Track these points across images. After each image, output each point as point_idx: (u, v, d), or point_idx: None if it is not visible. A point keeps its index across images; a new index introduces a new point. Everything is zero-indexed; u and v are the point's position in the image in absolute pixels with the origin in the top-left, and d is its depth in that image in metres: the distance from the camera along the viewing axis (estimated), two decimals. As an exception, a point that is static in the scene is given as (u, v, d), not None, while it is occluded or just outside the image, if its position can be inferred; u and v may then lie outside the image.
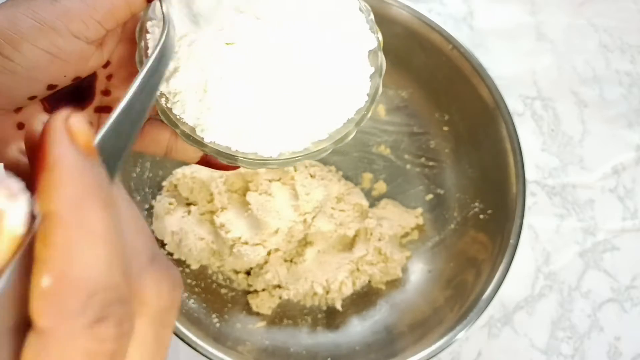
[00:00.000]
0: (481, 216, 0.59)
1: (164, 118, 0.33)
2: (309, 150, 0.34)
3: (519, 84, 0.69)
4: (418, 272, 0.61)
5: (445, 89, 0.61)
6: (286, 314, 0.59)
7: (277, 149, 0.33)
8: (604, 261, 0.64)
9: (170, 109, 0.32)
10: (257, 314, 0.58)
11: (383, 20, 0.59)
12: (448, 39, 0.58)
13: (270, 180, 0.59)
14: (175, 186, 0.59)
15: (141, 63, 0.33)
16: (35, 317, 0.16)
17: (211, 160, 0.37)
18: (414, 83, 0.63)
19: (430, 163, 0.63)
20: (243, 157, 0.33)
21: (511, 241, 0.54)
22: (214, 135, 0.32)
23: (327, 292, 0.58)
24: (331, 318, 0.59)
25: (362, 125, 0.35)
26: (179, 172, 0.59)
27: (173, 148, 0.37)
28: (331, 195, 0.60)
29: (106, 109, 0.36)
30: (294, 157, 0.34)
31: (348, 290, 0.58)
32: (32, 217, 0.17)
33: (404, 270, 0.60)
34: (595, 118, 0.69)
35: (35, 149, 0.19)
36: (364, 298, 0.60)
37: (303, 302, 0.59)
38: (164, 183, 0.59)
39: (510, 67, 0.69)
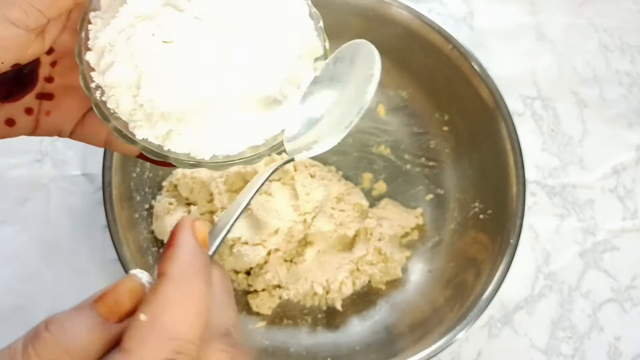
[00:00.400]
0: (481, 216, 0.59)
1: (96, 111, 0.32)
2: (243, 154, 0.33)
3: (519, 84, 0.69)
4: (418, 272, 0.61)
5: (445, 89, 0.61)
6: (286, 314, 0.59)
7: (210, 151, 0.33)
8: (604, 261, 0.64)
9: (105, 102, 0.32)
10: (257, 314, 0.58)
11: (383, 20, 0.59)
12: (448, 39, 0.58)
13: (270, 180, 0.59)
14: (175, 186, 0.59)
15: (80, 54, 0.32)
16: (125, 339, 0.23)
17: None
18: (414, 83, 0.63)
19: (430, 163, 0.63)
20: (174, 157, 0.33)
21: (511, 241, 0.54)
22: (146, 132, 0.32)
23: (327, 292, 0.58)
24: (331, 318, 0.59)
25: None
26: (179, 172, 0.59)
27: (113, 140, 0.36)
28: (331, 195, 0.60)
29: (48, 96, 0.35)
30: (228, 161, 0.33)
31: (348, 290, 0.58)
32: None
33: (404, 270, 0.60)
34: (595, 118, 0.69)
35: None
36: (364, 298, 0.60)
37: (303, 302, 0.59)
38: (164, 183, 0.59)
39: (510, 67, 0.69)
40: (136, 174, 0.57)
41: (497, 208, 0.57)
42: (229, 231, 0.30)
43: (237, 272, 0.59)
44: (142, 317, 0.23)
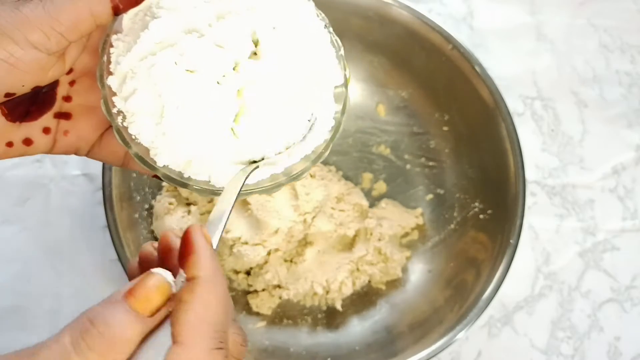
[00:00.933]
0: (481, 216, 0.59)
1: (117, 137, 0.33)
2: (262, 184, 0.34)
3: (519, 84, 0.69)
4: (418, 272, 0.61)
5: (445, 89, 0.61)
6: (286, 314, 0.59)
7: (227, 179, 0.33)
8: (604, 261, 0.64)
9: (126, 128, 0.32)
10: (257, 314, 0.58)
11: (383, 20, 0.59)
12: (448, 39, 0.58)
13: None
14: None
15: (102, 77, 0.32)
16: (177, 333, 0.27)
17: (132, 164, 0.37)
18: (414, 83, 0.63)
19: (430, 163, 0.63)
20: (194, 185, 0.33)
21: (511, 241, 0.54)
22: (167, 159, 0.32)
23: (327, 292, 0.58)
24: (331, 318, 0.59)
25: (318, 162, 0.35)
26: (179, 172, 0.59)
27: (131, 160, 0.36)
28: (331, 195, 0.60)
29: (66, 115, 0.36)
30: (247, 190, 0.34)
31: (348, 290, 0.58)
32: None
33: (404, 270, 0.60)
34: (595, 118, 0.69)
35: (167, 248, 0.33)
36: (364, 298, 0.60)
37: (303, 302, 0.59)
38: (164, 183, 0.59)
39: (510, 67, 0.69)
40: (136, 174, 0.57)
41: (497, 208, 0.57)
42: (223, 230, 0.32)
43: (237, 272, 0.59)
44: (189, 317, 0.28)
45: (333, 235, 0.59)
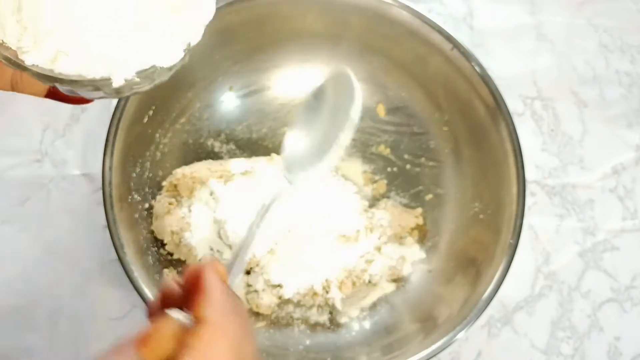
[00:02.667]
0: (481, 216, 0.59)
1: None
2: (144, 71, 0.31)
3: (519, 84, 0.69)
4: (418, 272, 0.61)
5: (445, 89, 0.61)
6: (286, 314, 0.59)
7: (102, 70, 0.31)
8: (604, 261, 0.64)
9: None
10: (257, 314, 0.58)
11: (383, 20, 0.59)
12: (448, 39, 0.58)
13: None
14: (175, 186, 0.59)
15: None
16: None
17: (58, 93, 0.35)
18: (414, 83, 0.63)
19: (430, 163, 0.63)
20: (66, 79, 0.31)
21: (511, 241, 0.54)
22: (34, 58, 0.30)
23: (327, 292, 0.58)
24: (331, 318, 0.59)
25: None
26: (179, 172, 0.59)
27: (19, 82, 0.35)
28: (331, 194, 0.60)
29: None
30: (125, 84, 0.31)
31: (348, 290, 0.58)
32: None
33: (404, 270, 0.60)
34: (595, 118, 0.69)
35: (192, 281, 0.30)
36: (364, 298, 0.60)
37: (303, 302, 0.59)
38: (164, 183, 0.59)
39: (510, 67, 0.69)
40: (136, 174, 0.57)
41: (497, 208, 0.57)
42: (244, 266, 0.31)
43: (237, 272, 0.59)
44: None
45: (333, 235, 0.59)
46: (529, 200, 0.63)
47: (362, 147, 0.64)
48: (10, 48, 0.31)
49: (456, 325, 0.52)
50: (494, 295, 0.53)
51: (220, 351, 0.26)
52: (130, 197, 0.56)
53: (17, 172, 0.62)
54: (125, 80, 0.31)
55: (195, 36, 0.32)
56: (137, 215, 0.56)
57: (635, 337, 0.62)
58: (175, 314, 0.27)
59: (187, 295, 0.31)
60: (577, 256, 0.64)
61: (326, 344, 0.58)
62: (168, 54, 0.32)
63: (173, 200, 0.58)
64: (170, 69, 0.32)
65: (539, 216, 0.65)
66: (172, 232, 0.57)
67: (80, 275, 0.59)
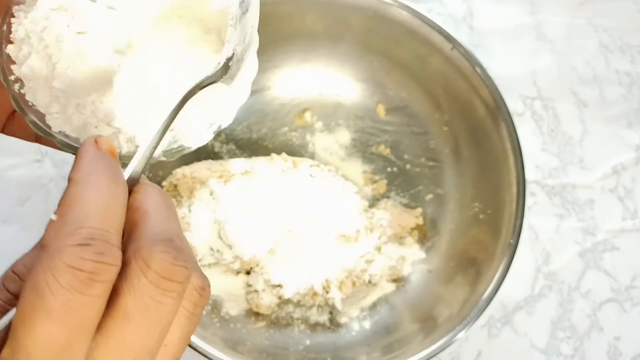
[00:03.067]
0: (481, 216, 0.59)
1: (14, 104, 0.32)
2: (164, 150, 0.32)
3: (519, 84, 0.69)
4: (418, 272, 0.61)
5: (445, 89, 0.61)
6: (286, 314, 0.59)
7: (129, 147, 0.31)
8: (604, 261, 0.64)
9: (23, 95, 0.31)
10: (257, 314, 0.58)
11: (383, 20, 0.59)
12: (448, 39, 0.58)
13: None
14: (175, 186, 0.59)
15: (0, 46, 0.32)
16: (42, 240, 0.25)
17: (49, 142, 0.35)
18: (414, 83, 0.63)
19: (430, 163, 0.63)
20: None
21: (511, 241, 0.54)
22: (62, 125, 0.31)
23: (327, 292, 0.58)
24: (331, 318, 0.59)
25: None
26: (179, 172, 0.59)
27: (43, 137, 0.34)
28: (331, 195, 0.60)
29: None
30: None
31: (348, 290, 0.58)
32: None
33: (404, 270, 0.60)
34: (595, 118, 0.69)
35: None
36: (364, 298, 0.60)
37: (303, 302, 0.59)
38: (164, 183, 0.59)
39: (510, 67, 0.69)
40: (136, 174, 0.57)
41: (497, 208, 0.57)
42: (152, 147, 0.29)
43: (237, 272, 0.59)
44: (52, 217, 0.25)
45: (333, 235, 0.59)
46: (529, 200, 0.63)
47: (362, 147, 0.64)
48: (39, 111, 0.31)
49: (456, 325, 0.52)
50: (494, 295, 0.53)
51: (86, 204, 0.24)
52: (130, 197, 0.56)
53: (17, 172, 0.62)
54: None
55: (227, 120, 0.33)
56: (137, 215, 0.56)
57: (635, 337, 0.62)
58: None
59: None
60: (577, 256, 0.64)
61: (326, 344, 0.58)
62: (198, 138, 0.32)
63: (173, 200, 0.58)
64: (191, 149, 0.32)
65: (539, 216, 0.65)
66: (172, 232, 0.57)
67: (80, 275, 0.59)
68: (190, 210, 0.58)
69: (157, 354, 0.24)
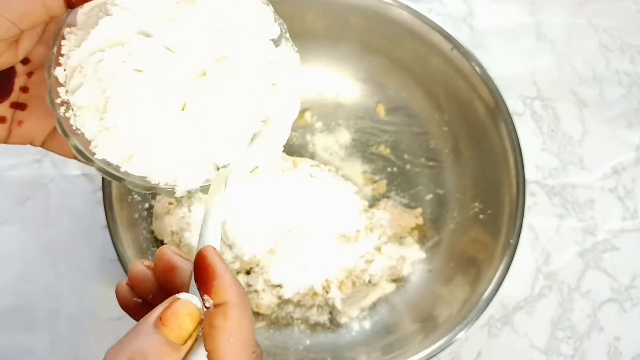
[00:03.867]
0: (481, 216, 0.59)
1: (58, 127, 0.33)
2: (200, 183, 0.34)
3: (519, 84, 0.69)
4: (418, 272, 0.61)
5: (445, 89, 0.61)
6: (286, 314, 0.59)
7: (166, 177, 0.33)
8: (604, 261, 0.64)
9: (67, 119, 0.33)
10: (257, 314, 0.58)
11: (383, 20, 0.59)
12: (448, 39, 0.58)
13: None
14: (175, 186, 0.59)
15: (49, 68, 0.33)
16: (221, 356, 0.28)
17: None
18: (414, 83, 0.63)
19: (430, 163, 0.63)
20: (128, 179, 0.33)
21: (511, 241, 0.54)
22: (107, 153, 0.32)
23: (327, 292, 0.58)
24: (331, 318, 0.59)
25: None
26: (179, 172, 0.59)
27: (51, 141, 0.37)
28: (331, 195, 0.60)
29: (21, 106, 0.36)
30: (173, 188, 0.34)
31: (348, 290, 0.58)
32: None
33: (404, 270, 0.60)
34: (595, 118, 0.69)
35: (168, 267, 0.33)
36: (364, 298, 0.60)
37: (303, 302, 0.59)
38: (164, 183, 0.59)
39: (510, 67, 0.69)
40: (136, 174, 0.57)
41: (497, 208, 0.57)
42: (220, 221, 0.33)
43: (237, 272, 0.59)
44: (230, 339, 0.29)
45: (333, 235, 0.59)
46: (529, 200, 0.63)
47: (362, 147, 0.64)
48: (81, 136, 0.33)
49: (456, 325, 0.52)
50: (494, 295, 0.53)
51: (245, 329, 0.29)
52: (130, 197, 0.56)
53: (17, 172, 0.62)
54: (188, 192, 0.33)
55: (266, 162, 0.35)
56: (137, 215, 0.56)
57: (635, 337, 0.62)
58: (188, 298, 0.29)
59: (165, 278, 0.33)
60: (577, 256, 0.64)
61: (326, 344, 0.58)
62: (238, 179, 0.34)
63: (173, 200, 0.58)
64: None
65: (539, 216, 0.65)
66: (172, 232, 0.57)
67: (80, 275, 0.59)
68: (190, 210, 0.58)
69: None
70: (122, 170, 0.33)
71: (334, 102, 0.65)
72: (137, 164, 0.33)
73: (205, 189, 0.33)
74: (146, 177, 0.33)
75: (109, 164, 0.33)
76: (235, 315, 0.29)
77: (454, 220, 0.61)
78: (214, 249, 0.30)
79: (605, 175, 0.67)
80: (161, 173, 0.33)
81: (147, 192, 0.34)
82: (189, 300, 0.29)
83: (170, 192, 0.33)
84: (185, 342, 0.28)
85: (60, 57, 0.32)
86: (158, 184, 0.33)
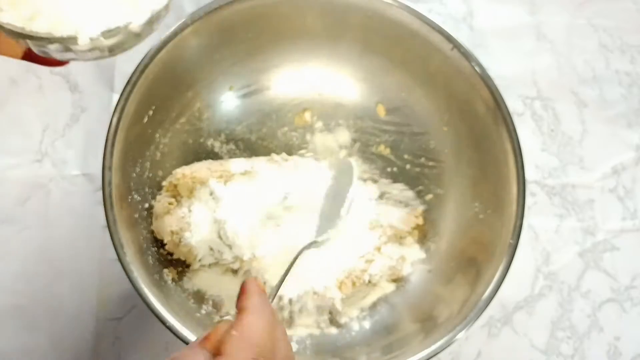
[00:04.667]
0: (481, 216, 0.59)
1: None
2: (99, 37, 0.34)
3: (519, 84, 0.69)
4: (418, 272, 0.61)
5: (445, 89, 0.61)
6: (286, 314, 0.59)
7: (70, 29, 0.33)
8: (604, 261, 0.64)
9: None
10: (257, 314, 0.58)
11: (383, 20, 0.59)
12: (448, 39, 0.58)
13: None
14: (175, 186, 0.59)
15: None
16: (223, 348, 0.34)
17: (34, 55, 0.38)
18: (414, 83, 0.63)
19: (430, 163, 0.63)
20: (36, 36, 0.33)
21: (511, 241, 0.54)
22: (10, 17, 0.33)
23: (327, 292, 0.58)
24: (331, 318, 0.59)
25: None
26: (179, 172, 0.59)
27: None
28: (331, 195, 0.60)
29: None
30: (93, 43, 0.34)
31: (348, 290, 0.58)
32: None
33: (404, 270, 0.60)
34: (595, 118, 0.69)
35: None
36: (364, 298, 0.60)
37: (303, 302, 0.59)
38: (164, 183, 0.59)
39: (510, 67, 0.69)
40: (136, 173, 0.57)
41: (497, 208, 0.57)
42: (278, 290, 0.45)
43: (237, 272, 0.59)
44: (234, 332, 0.34)
45: (334, 235, 0.59)
46: (529, 200, 0.63)
47: (362, 147, 0.64)
48: None
49: (456, 325, 0.52)
50: (494, 295, 0.53)
51: (255, 328, 0.34)
52: (130, 197, 0.56)
53: (17, 172, 0.62)
54: (91, 39, 0.34)
55: (160, 2, 0.35)
56: (137, 215, 0.56)
57: (635, 337, 0.62)
58: (228, 317, 0.37)
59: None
60: (577, 256, 0.64)
61: (326, 344, 0.58)
62: (133, 17, 0.35)
63: (173, 200, 0.58)
64: (138, 35, 0.35)
65: (539, 216, 0.65)
66: (172, 232, 0.57)
67: (80, 275, 0.59)
68: (190, 210, 0.58)
69: None
70: (27, 29, 0.33)
71: (334, 102, 0.65)
72: (39, 21, 0.33)
73: (106, 35, 0.34)
74: (51, 32, 0.34)
75: (15, 27, 0.33)
76: (246, 316, 0.35)
77: (454, 220, 0.61)
78: (256, 278, 0.38)
79: (605, 175, 0.67)
80: (63, 25, 0.34)
81: (58, 48, 0.34)
82: (226, 319, 0.36)
83: (74, 40, 0.34)
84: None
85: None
86: (62, 36, 0.34)
